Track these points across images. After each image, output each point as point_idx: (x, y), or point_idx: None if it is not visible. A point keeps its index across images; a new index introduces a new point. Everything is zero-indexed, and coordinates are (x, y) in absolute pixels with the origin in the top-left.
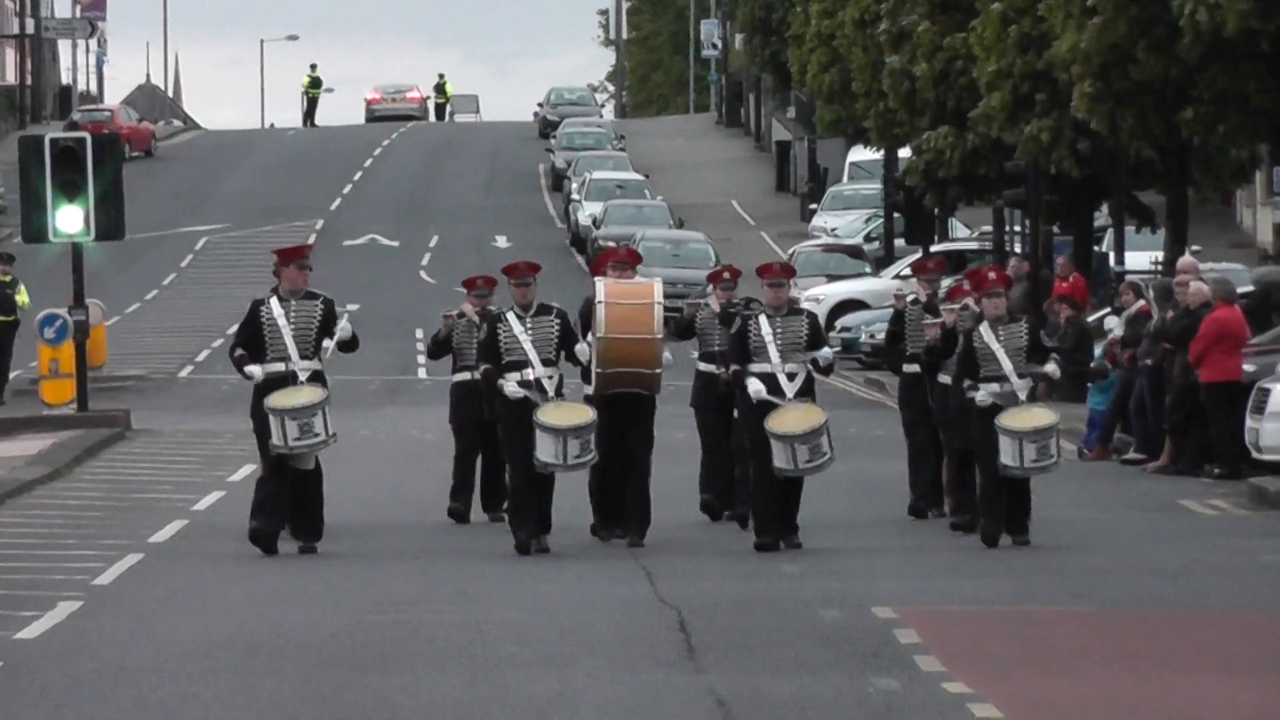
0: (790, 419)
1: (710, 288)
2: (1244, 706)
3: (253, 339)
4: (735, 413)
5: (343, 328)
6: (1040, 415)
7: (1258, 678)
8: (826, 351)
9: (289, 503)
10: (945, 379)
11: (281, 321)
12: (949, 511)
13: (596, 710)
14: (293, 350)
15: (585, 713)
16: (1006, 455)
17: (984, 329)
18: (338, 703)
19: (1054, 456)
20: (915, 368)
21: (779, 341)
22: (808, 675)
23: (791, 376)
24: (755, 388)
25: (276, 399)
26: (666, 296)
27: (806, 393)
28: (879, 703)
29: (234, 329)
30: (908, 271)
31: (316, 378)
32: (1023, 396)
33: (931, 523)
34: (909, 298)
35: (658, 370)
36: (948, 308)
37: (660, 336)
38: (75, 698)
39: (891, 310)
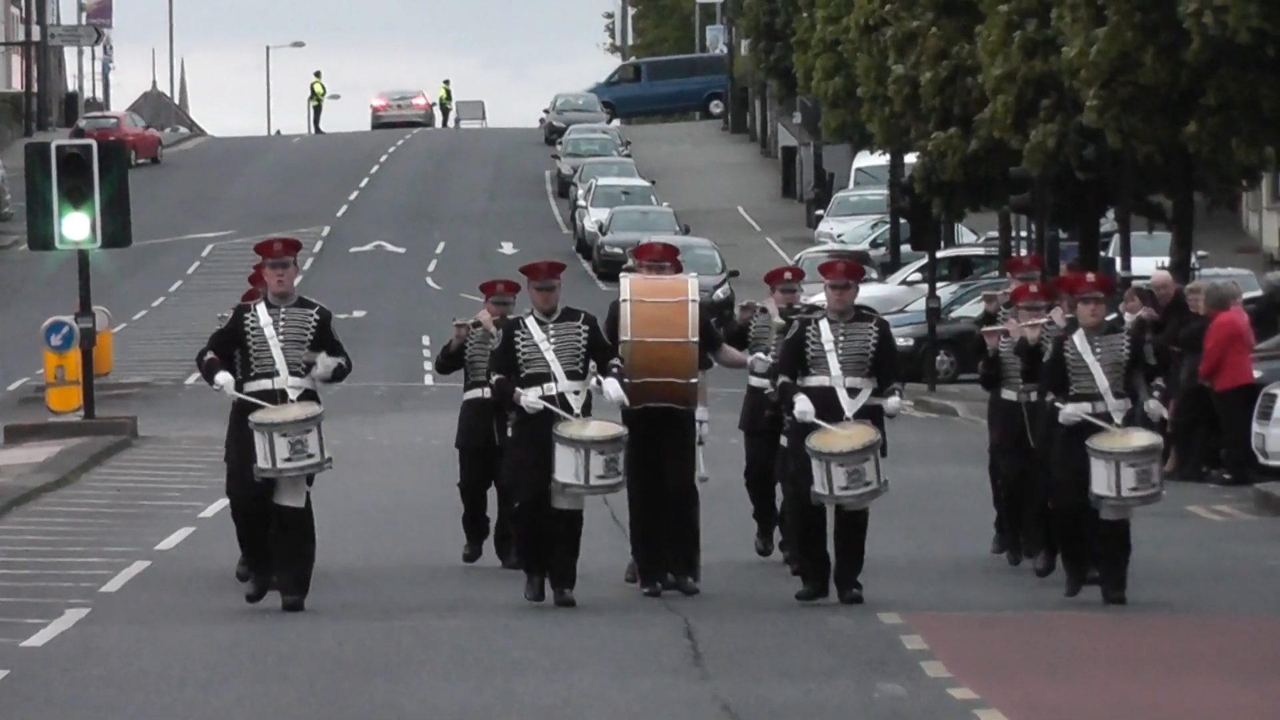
0: (834, 437)
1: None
2: (1249, 711)
3: (234, 350)
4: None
5: (323, 367)
6: (1140, 436)
7: (1263, 683)
8: (895, 402)
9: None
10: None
11: (269, 331)
12: (1036, 560)
13: (603, 716)
14: (281, 365)
15: (591, 719)
16: (1100, 484)
17: (1078, 339)
18: (344, 710)
19: (1156, 485)
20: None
21: (841, 351)
22: (814, 681)
23: (853, 393)
24: (802, 408)
25: (263, 414)
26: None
27: (869, 415)
28: (885, 709)
29: None
30: (915, 276)
31: (308, 397)
32: (1119, 419)
33: (939, 529)
34: (1000, 298)
35: (693, 380)
36: (1034, 322)
37: (696, 340)
38: (82, 705)
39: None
